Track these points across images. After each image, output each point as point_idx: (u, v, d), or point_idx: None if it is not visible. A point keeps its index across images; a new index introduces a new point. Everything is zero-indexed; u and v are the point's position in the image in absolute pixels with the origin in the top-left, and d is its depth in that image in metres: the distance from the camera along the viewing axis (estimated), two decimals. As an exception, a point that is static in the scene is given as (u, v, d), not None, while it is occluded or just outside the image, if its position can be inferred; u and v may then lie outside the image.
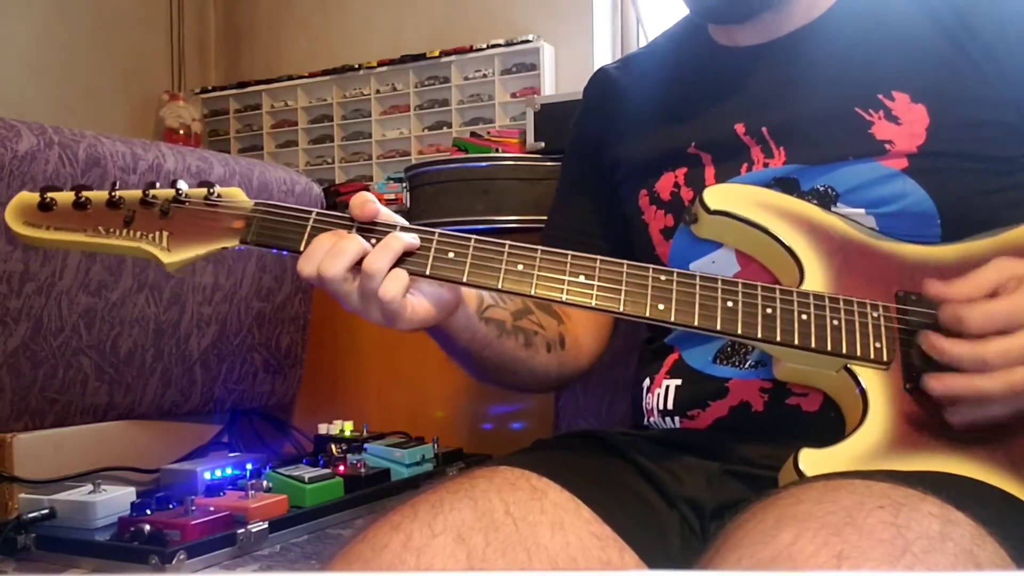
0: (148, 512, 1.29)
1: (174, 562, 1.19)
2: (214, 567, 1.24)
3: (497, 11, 3.03)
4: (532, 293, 0.82)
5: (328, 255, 0.79)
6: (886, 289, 0.85)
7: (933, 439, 0.79)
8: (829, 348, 0.81)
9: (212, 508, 1.31)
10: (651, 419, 1.01)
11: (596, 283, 0.83)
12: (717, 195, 0.90)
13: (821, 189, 0.92)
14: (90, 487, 1.37)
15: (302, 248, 0.82)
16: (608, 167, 1.10)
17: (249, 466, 1.50)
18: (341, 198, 2.66)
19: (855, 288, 0.85)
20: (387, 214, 0.84)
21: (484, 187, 1.94)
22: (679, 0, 1.02)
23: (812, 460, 0.77)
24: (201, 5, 3.69)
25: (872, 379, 0.81)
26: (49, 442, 1.58)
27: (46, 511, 1.32)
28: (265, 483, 1.43)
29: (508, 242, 0.83)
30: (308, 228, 0.83)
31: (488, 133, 2.67)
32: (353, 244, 0.80)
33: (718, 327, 0.82)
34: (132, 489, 1.39)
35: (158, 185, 0.85)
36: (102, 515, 1.32)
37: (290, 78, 3.38)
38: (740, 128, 0.97)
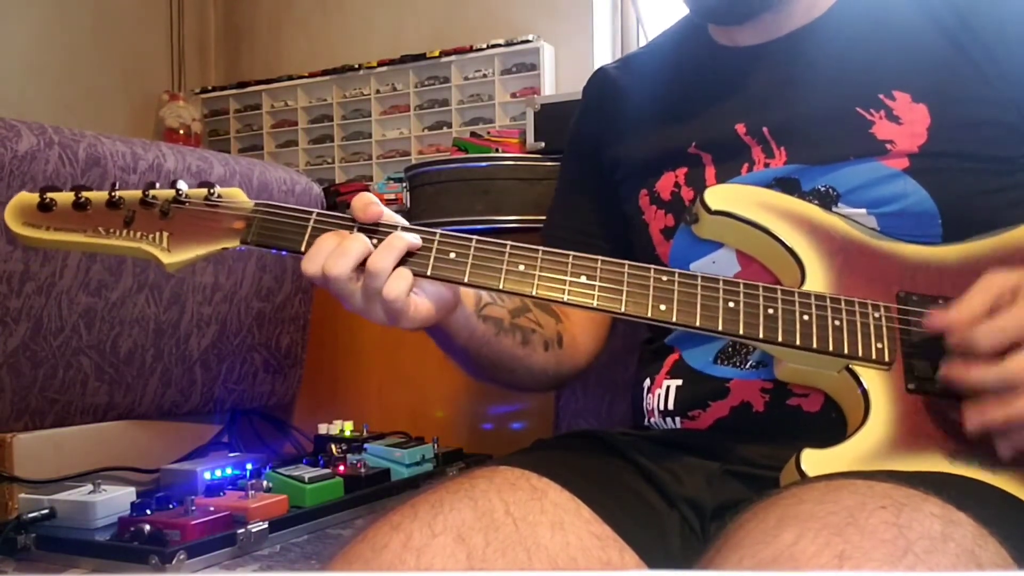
0: (148, 512, 1.29)
1: (174, 562, 1.18)
2: (214, 567, 1.24)
3: (497, 11, 3.03)
4: (534, 294, 0.82)
5: (333, 255, 0.79)
6: (887, 289, 0.85)
7: (934, 440, 0.79)
8: (831, 348, 0.81)
9: (212, 508, 1.31)
10: (651, 419, 1.01)
11: (598, 283, 0.82)
12: (718, 195, 0.89)
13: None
14: (90, 487, 1.36)
15: (303, 248, 0.82)
16: (608, 167, 1.10)
17: (249, 466, 1.50)
18: (341, 198, 2.66)
19: (856, 288, 0.85)
20: (388, 214, 0.84)
21: (484, 187, 1.94)
22: (679, 0, 1.02)
23: (814, 460, 0.77)
24: (201, 5, 3.69)
25: (874, 379, 0.81)
26: (49, 442, 1.58)
27: (46, 511, 1.32)
28: (265, 483, 1.43)
29: (509, 242, 0.83)
30: (308, 229, 0.83)
31: (488, 133, 2.67)
32: (357, 244, 0.80)
33: (720, 328, 0.82)
34: (132, 489, 1.39)
35: (158, 185, 0.85)
36: (102, 515, 1.32)
37: (290, 78, 3.38)
38: (741, 128, 0.96)
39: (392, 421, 1.91)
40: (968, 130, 0.90)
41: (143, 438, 1.76)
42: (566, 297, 0.82)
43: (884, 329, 0.82)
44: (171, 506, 1.32)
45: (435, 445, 1.73)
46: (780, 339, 0.82)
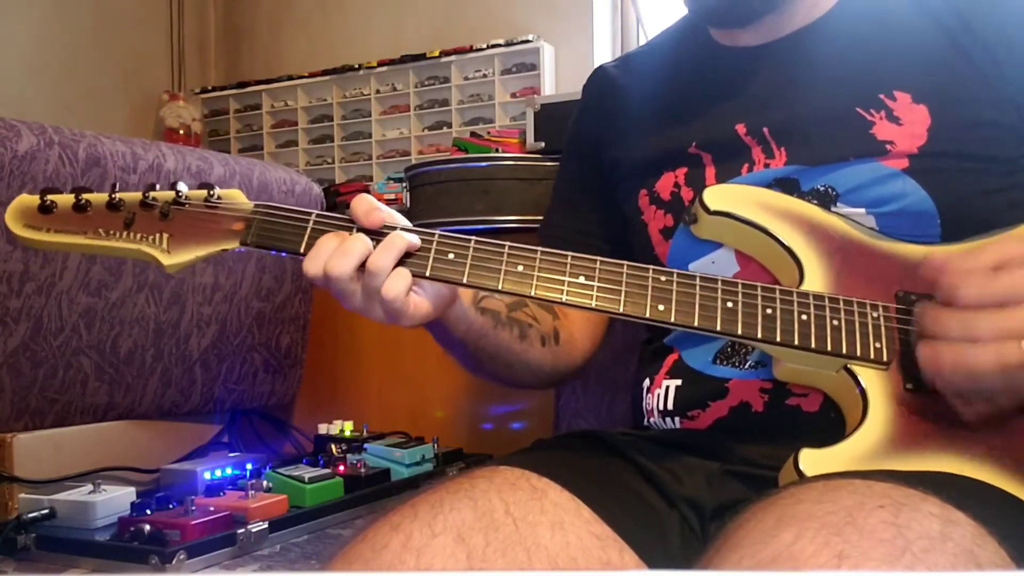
0: (148, 512, 1.29)
1: (174, 562, 1.18)
2: (214, 567, 1.24)
3: (497, 11, 3.03)
4: (532, 294, 0.82)
5: (334, 255, 0.80)
6: (886, 289, 0.85)
7: (933, 439, 0.79)
8: (829, 348, 0.81)
9: (212, 508, 1.31)
10: (651, 419, 1.01)
11: (596, 284, 0.83)
12: (717, 195, 0.90)
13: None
14: (90, 487, 1.36)
15: (302, 250, 0.82)
16: (607, 166, 1.10)
17: (249, 466, 1.50)
18: (341, 198, 2.66)
19: (855, 288, 0.85)
20: (389, 214, 0.84)
21: (484, 187, 1.94)
22: (679, 0, 1.02)
23: (812, 460, 0.77)
24: (201, 5, 3.69)
25: (872, 379, 0.81)
26: (49, 442, 1.58)
27: (46, 511, 1.32)
28: (265, 483, 1.43)
29: (508, 243, 0.83)
30: (308, 230, 0.83)
31: (488, 133, 2.67)
32: (358, 244, 0.80)
33: (718, 328, 0.82)
34: (132, 489, 1.39)
35: (158, 187, 0.85)
36: (102, 515, 1.32)
37: (290, 78, 3.39)
38: (741, 128, 0.97)
39: (392, 421, 1.91)
40: (968, 131, 0.90)
41: (143, 438, 1.76)
42: (564, 297, 0.82)
43: (883, 329, 0.82)
44: (171, 506, 1.32)
45: (435, 445, 1.73)
46: (778, 339, 0.82)
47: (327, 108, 3.34)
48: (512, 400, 1.89)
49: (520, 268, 0.82)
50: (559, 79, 2.91)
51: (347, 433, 1.79)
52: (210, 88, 3.60)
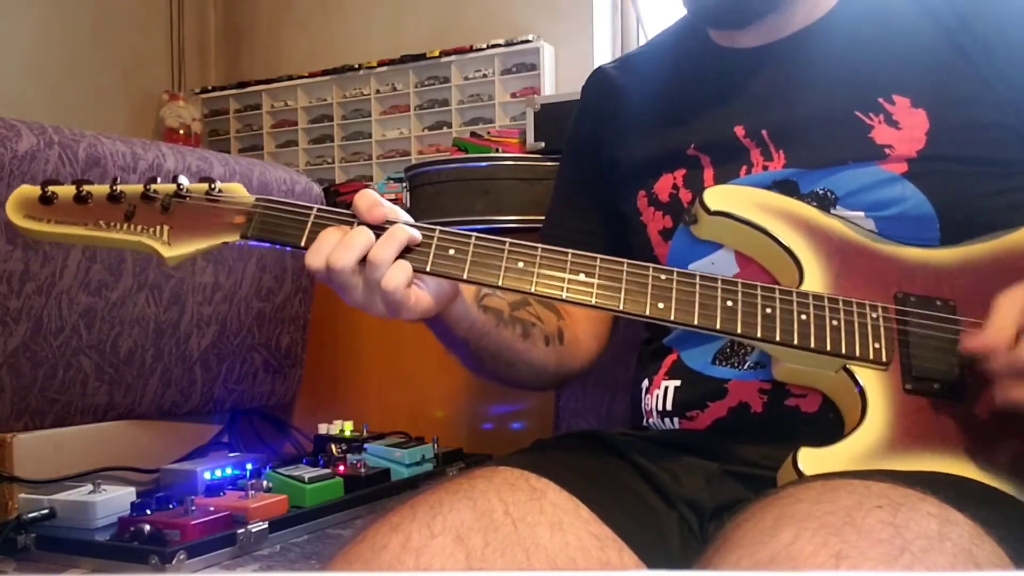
0: (148, 512, 1.29)
1: (174, 562, 1.19)
2: (214, 567, 1.24)
3: (497, 11, 3.03)
4: (532, 291, 0.82)
5: (337, 248, 0.80)
6: (885, 290, 0.85)
7: (931, 440, 0.79)
8: (828, 348, 0.81)
9: (212, 508, 1.31)
10: (650, 420, 1.01)
11: (596, 281, 0.83)
12: (717, 196, 0.90)
13: (820, 192, 0.92)
14: (90, 487, 1.37)
15: (303, 244, 0.83)
16: (607, 167, 1.10)
17: (249, 466, 1.50)
18: (341, 198, 2.66)
19: (854, 289, 0.85)
20: (391, 209, 0.84)
21: (484, 187, 1.94)
22: (679, 0, 1.01)
23: (811, 459, 0.78)
24: (201, 5, 3.69)
25: (871, 379, 0.81)
26: (49, 442, 1.58)
27: (46, 511, 1.32)
28: (265, 483, 1.43)
29: (508, 240, 0.84)
30: (309, 224, 0.83)
31: (488, 133, 2.67)
32: (361, 237, 0.81)
33: (717, 326, 0.82)
34: (132, 489, 1.39)
35: (159, 180, 0.85)
36: (102, 515, 1.32)
37: (290, 78, 3.39)
38: (740, 130, 0.97)
39: (392, 421, 1.91)
40: (967, 133, 0.90)
41: (143, 438, 1.76)
42: (564, 294, 0.82)
43: (882, 329, 0.82)
44: (171, 506, 1.32)
45: (435, 445, 1.73)
46: (778, 338, 0.82)
47: (327, 108, 3.34)
48: (512, 400, 1.89)
49: (520, 265, 0.83)
50: (559, 79, 2.91)
51: (347, 433, 1.79)
52: (210, 88, 3.60)
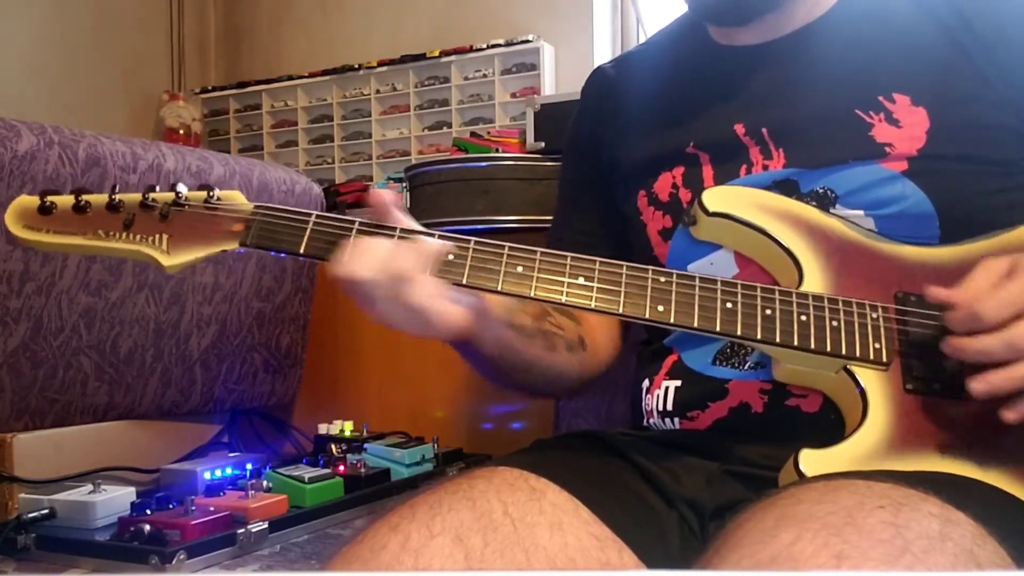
0: (148, 512, 1.29)
1: (174, 562, 1.19)
2: (214, 567, 1.24)
3: (497, 11, 3.03)
4: (532, 295, 0.82)
5: (362, 257, 0.79)
6: (885, 290, 0.85)
7: (932, 440, 0.79)
8: (828, 349, 0.81)
9: (212, 508, 1.31)
10: (651, 420, 1.01)
11: (595, 285, 0.82)
12: (716, 197, 0.89)
13: (820, 191, 0.92)
14: (90, 487, 1.37)
15: (302, 251, 0.82)
16: (607, 167, 1.10)
17: (249, 466, 1.50)
18: (341, 198, 2.66)
19: (854, 289, 0.85)
20: (397, 218, 0.84)
21: (484, 187, 1.94)
22: (679, 0, 1.01)
23: (812, 460, 0.77)
24: (201, 5, 3.69)
25: (872, 380, 0.81)
26: (49, 442, 1.58)
27: (46, 511, 1.32)
28: (265, 483, 1.43)
29: (507, 244, 0.83)
30: (307, 231, 0.83)
31: (488, 133, 2.67)
32: (385, 246, 0.79)
33: (717, 328, 0.82)
34: (132, 489, 1.39)
35: (158, 188, 0.85)
36: (102, 515, 1.32)
37: (290, 78, 3.39)
38: (740, 129, 0.96)
39: (392, 421, 1.91)
40: (967, 131, 0.90)
41: (143, 438, 1.76)
42: (564, 298, 0.82)
43: (882, 329, 0.82)
44: (171, 506, 1.32)
45: (435, 445, 1.74)
46: (778, 340, 0.82)
47: (327, 108, 3.34)
48: (512, 400, 1.89)
49: (519, 269, 0.82)
50: (559, 79, 2.91)
51: (347, 433, 1.79)
52: (210, 88, 3.60)
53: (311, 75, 3.33)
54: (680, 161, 1.00)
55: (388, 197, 0.83)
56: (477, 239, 0.83)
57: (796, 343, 0.82)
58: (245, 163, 1.90)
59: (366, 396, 2.14)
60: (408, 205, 2.08)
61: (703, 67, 1.05)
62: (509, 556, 0.74)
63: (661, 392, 0.98)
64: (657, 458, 0.92)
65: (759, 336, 0.82)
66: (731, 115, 0.97)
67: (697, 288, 0.83)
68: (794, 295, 0.83)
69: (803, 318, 0.82)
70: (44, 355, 1.55)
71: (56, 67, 3.18)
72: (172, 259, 0.83)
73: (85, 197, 0.84)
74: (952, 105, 0.90)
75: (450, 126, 3.07)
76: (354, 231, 0.82)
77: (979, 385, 0.75)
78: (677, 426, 0.97)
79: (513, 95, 2.94)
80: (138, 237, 0.83)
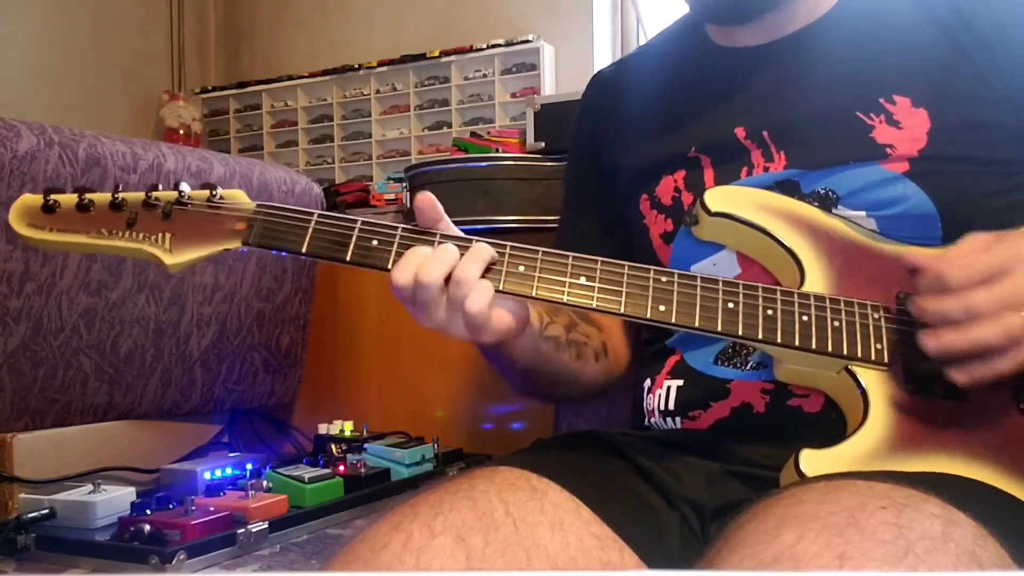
0: (148, 512, 1.29)
1: (174, 562, 1.19)
2: (214, 567, 1.24)
3: (497, 11, 3.03)
4: (533, 295, 0.82)
5: (427, 262, 0.79)
6: (887, 291, 0.85)
7: (934, 440, 0.79)
8: (830, 349, 0.81)
9: (212, 508, 1.31)
10: (652, 419, 1.01)
11: (597, 284, 0.83)
12: (718, 197, 0.89)
13: (821, 192, 0.92)
14: (90, 487, 1.37)
15: (304, 249, 0.83)
16: (609, 172, 1.10)
17: (249, 466, 1.50)
18: (341, 198, 2.66)
19: (856, 290, 0.85)
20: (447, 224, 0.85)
21: (484, 187, 1.94)
22: (679, 0, 1.01)
23: (813, 460, 0.77)
24: (201, 5, 3.69)
25: (873, 380, 0.81)
26: (49, 442, 1.58)
27: (46, 511, 1.32)
28: (265, 483, 1.43)
29: (509, 243, 0.83)
30: (310, 230, 0.83)
31: (488, 133, 2.67)
32: (451, 252, 0.80)
33: (719, 328, 0.82)
34: (132, 489, 1.39)
35: (160, 187, 0.85)
36: (102, 515, 1.32)
37: (290, 78, 3.38)
38: (741, 132, 0.96)
39: (392, 421, 1.91)
40: (968, 132, 0.89)
41: (143, 438, 1.76)
42: (566, 298, 0.82)
43: (883, 330, 0.82)
44: (171, 506, 1.32)
45: (435, 445, 1.74)
46: (779, 340, 0.82)
47: (327, 108, 3.34)
48: (512, 400, 1.88)
49: (521, 269, 0.82)
50: (559, 79, 2.91)
51: (347, 433, 1.79)
52: (210, 88, 3.60)
53: (311, 75, 3.33)
54: (682, 164, 1.00)
55: (433, 201, 0.83)
56: (478, 239, 0.83)
57: (797, 343, 0.82)
58: (245, 163, 1.90)
59: (366, 396, 2.14)
60: (408, 205, 2.08)
61: (703, 70, 1.05)
62: (510, 556, 0.74)
63: (663, 392, 0.98)
64: (658, 458, 0.92)
65: (760, 336, 0.82)
66: (732, 118, 0.97)
67: (699, 288, 0.83)
68: (796, 295, 0.83)
69: (805, 318, 0.82)
70: (44, 355, 1.55)
71: (56, 67, 3.17)
72: (175, 258, 0.83)
73: (88, 196, 0.84)
74: (952, 106, 0.90)
75: (450, 126, 3.06)
76: (397, 237, 0.82)
77: (931, 340, 0.76)
78: (678, 425, 0.97)
79: (513, 95, 2.94)
80: (141, 236, 0.83)
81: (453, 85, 3.04)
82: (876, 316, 0.83)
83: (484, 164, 1.98)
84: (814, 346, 0.81)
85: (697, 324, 0.82)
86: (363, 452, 1.65)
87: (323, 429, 1.82)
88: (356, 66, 3.23)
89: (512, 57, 2.94)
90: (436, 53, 3.05)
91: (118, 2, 3.42)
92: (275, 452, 2.04)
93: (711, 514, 0.87)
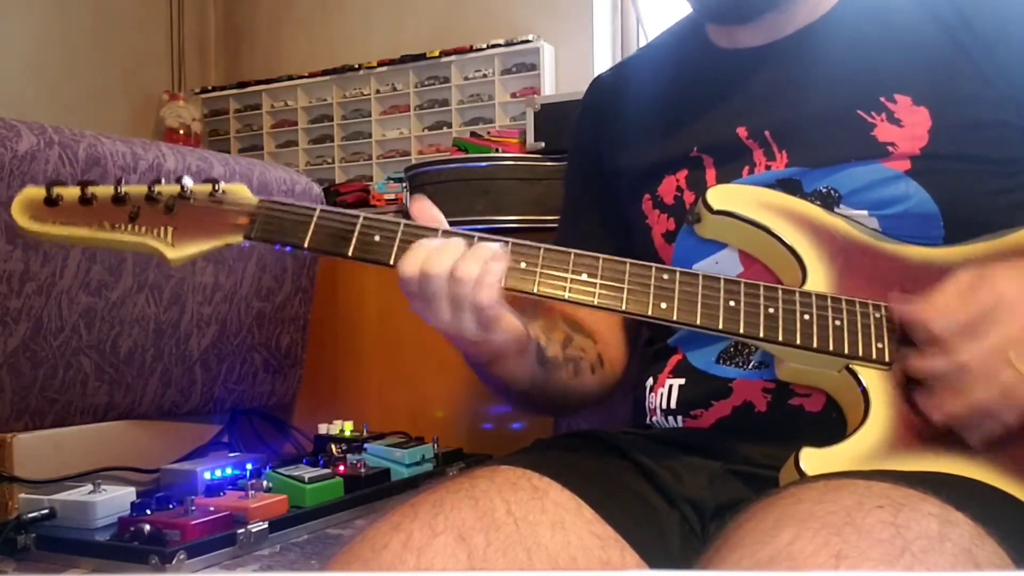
0: (148, 512, 1.29)
1: (174, 562, 1.19)
2: (214, 567, 1.24)
3: (497, 11, 3.03)
4: (535, 291, 0.82)
5: (433, 254, 0.79)
6: (888, 290, 0.85)
7: (934, 439, 0.79)
8: (831, 348, 0.81)
9: (212, 508, 1.31)
10: (653, 418, 1.01)
11: (599, 281, 0.83)
12: (720, 195, 0.90)
13: (823, 190, 0.92)
14: (90, 487, 1.37)
15: (306, 244, 0.83)
16: (610, 176, 1.10)
17: (249, 466, 1.50)
18: (341, 198, 2.66)
19: (857, 289, 0.85)
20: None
21: (484, 187, 1.94)
22: (680, 0, 1.01)
23: (813, 459, 0.77)
24: (201, 5, 3.69)
25: (874, 379, 0.81)
26: (49, 442, 1.58)
27: (46, 511, 1.32)
28: (265, 483, 1.43)
29: (511, 239, 0.83)
30: (312, 224, 0.83)
31: (488, 133, 2.67)
32: (457, 244, 0.80)
33: (720, 326, 0.82)
34: (132, 489, 1.39)
35: (163, 181, 0.85)
36: (102, 515, 1.32)
37: (290, 78, 3.39)
38: (743, 132, 0.96)
39: (392, 421, 1.91)
40: (969, 131, 0.89)
41: (143, 438, 1.76)
42: (567, 295, 0.82)
43: (884, 329, 0.82)
44: (171, 506, 1.32)
45: (435, 445, 1.73)
46: (780, 338, 0.82)
47: (327, 108, 3.34)
48: (512, 400, 1.88)
49: (523, 265, 0.82)
50: (559, 79, 2.91)
51: (347, 433, 1.79)
52: (210, 88, 3.60)
53: (311, 75, 3.33)
54: (684, 164, 1.00)
55: (427, 212, 0.84)
56: (480, 235, 0.83)
57: (799, 342, 0.82)
58: (245, 163, 1.91)
59: (366, 396, 2.14)
60: (408, 205, 2.08)
61: (704, 71, 1.05)
62: (511, 555, 0.74)
63: (665, 390, 0.98)
64: (659, 457, 0.92)
65: (762, 334, 0.82)
66: (734, 118, 0.97)
67: (700, 286, 0.83)
68: (797, 294, 0.83)
69: (806, 317, 0.82)
70: (44, 355, 1.55)
71: (56, 67, 3.18)
72: (177, 251, 0.83)
73: (91, 189, 0.84)
74: (953, 105, 0.90)
75: (450, 126, 3.07)
76: (399, 232, 0.83)
77: (934, 412, 0.76)
78: (680, 424, 0.97)
79: (513, 95, 2.94)
80: (143, 229, 0.84)
81: (453, 85, 3.04)
82: (877, 315, 0.83)
83: (484, 164, 1.98)
84: (815, 345, 0.82)
85: (698, 322, 0.82)
86: (363, 452, 1.65)
87: (323, 429, 1.82)
88: (356, 66, 3.23)
89: (512, 57, 2.95)
90: (436, 53, 3.06)
91: (118, 2, 3.43)
92: (275, 452, 2.04)
93: (711, 513, 0.87)
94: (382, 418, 1.95)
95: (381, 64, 3.18)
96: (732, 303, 0.82)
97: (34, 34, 3.14)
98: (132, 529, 1.25)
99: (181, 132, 3.43)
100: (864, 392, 0.81)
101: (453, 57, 3.03)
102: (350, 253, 0.83)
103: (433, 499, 0.79)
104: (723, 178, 0.97)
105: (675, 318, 0.82)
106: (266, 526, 1.32)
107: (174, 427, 1.84)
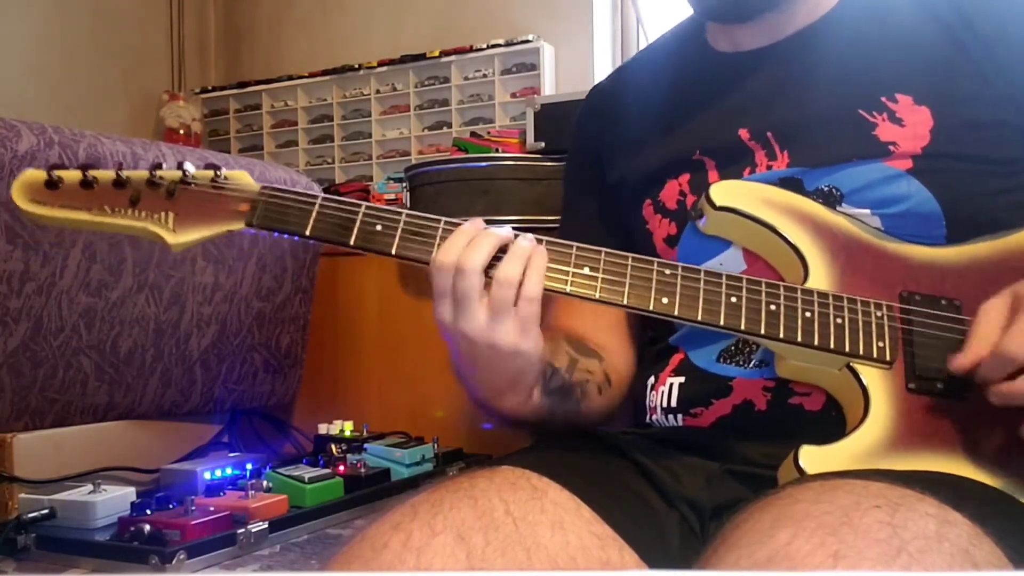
0: (148, 512, 1.30)
1: (174, 562, 1.19)
2: (214, 567, 1.24)
3: (497, 11, 3.03)
4: None
5: (469, 246, 0.79)
6: (890, 289, 0.85)
7: (933, 439, 0.79)
8: (832, 346, 0.81)
9: (212, 508, 1.31)
10: (654, 417, 1.01)
11: (600, 275, 0.83)
12: (723, 191, 0.90)
13: (825, 189, 0.92)
14: (90, 487, 1.37)
15: (308, 232, 0.83)
16: (611, 184, 1.10)
17: (249, 466, 1.50)
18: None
19: (859, 287, 0.85)
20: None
21: (484, 187, 1.94)
22: (680, 0, 1.01)
23: (812, 457, 0.77)
24: (201, 5, 3.69)
25: (874, 378, 0.81)
26: (49, 442, 1.58)
27: (46, 511, 1.32)
28: (265, 483, 1.43)
29: (515, 232, 0.84)
30: (314, 212, 0.83)
31: (488, 133, 2.67)
32: (492, 236, 0.80)
33: (721, 322, 0.82)
34: (132, 489, 1.39)
35: (164, 166, 0.85)
36: (102, 515, 1.32)
37: (290, 78, 3.38)
38: (744, 133, 0.96)
39: (392, 421, 1.91)
40: (970, 131, 0.90)
41: (143, 438, 1.76)
42: (569, 288, 0.82)
43: (886, 328, 0.82)
44: (171, 506, 1.32)
45: (435, 445, 1.74)
46: (782, 335, 0.82)
47: (327, 108, 3.33)
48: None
49: None
50: (559, 79, 2.90)
51: (347, 433, 1.79)
52: (210, 88, 3.59)
53: (311, 75, 3.32)
54: (686, 168, 1.00)
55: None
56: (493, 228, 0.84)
57: (800, 339, 0.82)
58: (245, 163, 1.91)
59: (366, 396, 2.14)
60: (408, 205, 2.08)
61: (704, 73, 1.05)
62: (511, 555, 0.74)
63: (665, 389, 0.98)
64: (658, 457, 0.92)
65: (763, 331, 0.82)
66: (735, 119, 0.97)
67: (702, 282, 0.83)
68: (799, 291, 0.83)
69: (807, 314, 0.82)
70: (44, 355, 1.55)
71: (56, 67, 3.17)
72: (177, 237, 0.83)
73: (92, 172, 0.84)
74: (954, 104, 0.90)
75: (450, 126, 3.06)
76: (401, 223, 0.83)
77: None
78: (680, 423, 0.97)
79: (513, 95, 2.94)
80: (144, 214, 0.83)
81: (453, 85, 3.04)
82: (879, 314, 0.83)
83: (484, 164, 1.98)
84: (816, 343, 0.81)
85: (700, 318, 0.82)
86: (363, 452, 1.66)
87: (323, 429, 1.82)
88: (356, 66, 3.23)
89: (512, 57, 2.94)
90: (436, 53, 3.05)
91: (118, 2, 3.42)
92: (275, 452, 2.04)
93: (710, 514, 0.87)
94: (382, 418, 1.95)
95: (381, 64, 3.18)
96: (734, 299, 0.82)
97: (34, 34, 3.14)
98: (132, 529, 1.25)
99: (181, 132, 3.43)
100: (864, 390, 0.81)
101: (453, 57, 3.02)
102: (352, 242, 0.83)
103: (432, 499, 0.79)
104: (725, 179, 0.97)
105: (676, 313, 0.82)
106: (266, 526, 1.33)
107: (174, 427, 1.85)
